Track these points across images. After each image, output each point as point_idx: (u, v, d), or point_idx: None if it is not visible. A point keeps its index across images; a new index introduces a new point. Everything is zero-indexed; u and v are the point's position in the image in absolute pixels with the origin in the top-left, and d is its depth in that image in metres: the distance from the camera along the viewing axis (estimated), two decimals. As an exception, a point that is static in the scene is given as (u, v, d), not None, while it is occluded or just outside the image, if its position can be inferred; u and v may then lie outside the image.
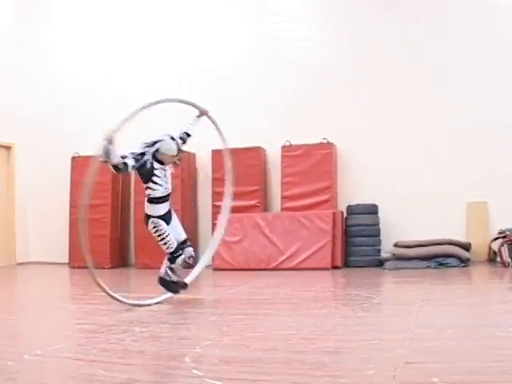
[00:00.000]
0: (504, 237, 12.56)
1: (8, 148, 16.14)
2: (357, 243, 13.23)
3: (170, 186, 8.12)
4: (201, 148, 14.47)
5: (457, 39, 13.61)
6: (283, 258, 13.06)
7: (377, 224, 13.44)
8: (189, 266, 8.63)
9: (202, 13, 15.56)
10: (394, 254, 12.83)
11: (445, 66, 13.63)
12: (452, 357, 4.85)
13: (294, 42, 14.65)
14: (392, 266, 12.47)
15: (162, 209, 8.07)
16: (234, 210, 13.97)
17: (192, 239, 14.42)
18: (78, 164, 15.15)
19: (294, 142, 13.99)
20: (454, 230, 13.14)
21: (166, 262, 8.37)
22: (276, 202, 14.50)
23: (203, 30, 15.44)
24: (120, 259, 15.13)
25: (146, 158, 7.85)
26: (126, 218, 15.45)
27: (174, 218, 8.39)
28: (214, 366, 4.84)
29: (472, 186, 13.27)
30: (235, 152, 14.23)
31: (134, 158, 7.78)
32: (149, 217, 8.09)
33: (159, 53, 15.77)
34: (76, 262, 14.75)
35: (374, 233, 13.38)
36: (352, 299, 8.43)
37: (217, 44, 15.37)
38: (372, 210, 13.45)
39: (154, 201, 8.02)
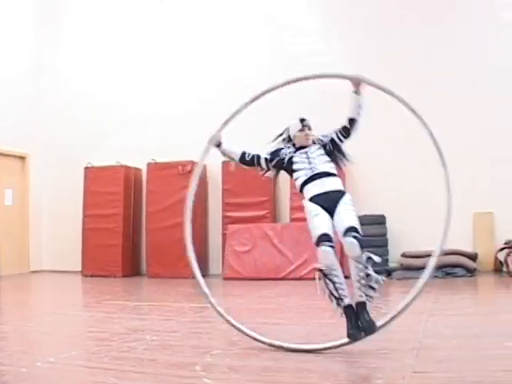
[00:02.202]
0: (510, 247, 12.54)
1: (23, 158, 16.18)
2: (366, 254, 13.20)
3: (317, 166, 6.27)
4: (211, 159, 14.45)
5: (464, 54, 13.63)
6: (292, 267, 13.05)
7: (384, 234, 13.41)
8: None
9: (214, 26, 15.59)
10: (401, 264, 12.80)
11: (454, 73, 13.63)
12: (460, 367, 4.83)
13: (310, 56, 14.59)
14: (400, 276, 12.45)
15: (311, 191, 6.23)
16: (244, 220, 14.04)
17: (202, 250, 14.52)
18: (91, 174, 15.24)
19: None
20: (460, 240, 13.07)
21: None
22: (285, 213, 14.48)
23: (215, 43, 15.47)
24: (132, 268, 15.11)
25: (282, 151, 6.72)
26: (137, 227, 15.45)
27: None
28: (224, 375, 4.83)
29: (478, 196, 13.23)
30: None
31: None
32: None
33: (170, 67, 15.80)
34: (89, 270, 14.80)
35: (382, 243, 13.33)
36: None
37: (231, 58, 15.39)
38: (380, 220, 13.41)
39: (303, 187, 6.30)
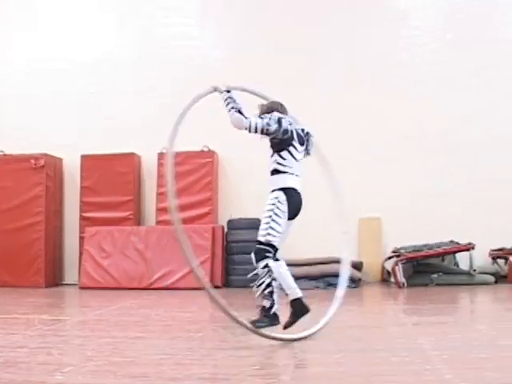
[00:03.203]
0: (398, 255, 12.82)
1: None
2: (238, 261, 13.21)
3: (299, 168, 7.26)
4: (69, 152, 14.27)
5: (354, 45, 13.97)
6: (157, 276, 12.96)
7: (260, 240, 13.48)
8: None
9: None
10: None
11: (337, 68, 13.94)
12: (339, 383, 4.89)
13: (183, 39, 14.59)
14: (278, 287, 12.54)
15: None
16: (104, 222, 13.83)
17: (56, 256, 14.22)
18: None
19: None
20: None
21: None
22: (150, 215, 14.36)
23: (75, 18, 15.17)
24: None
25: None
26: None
27: None
28: (76, 395, 4.73)
29: (364, 200, 13.52)
30: (105, 158, 14.12)
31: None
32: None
33: (19, 45, 15.34)
34: None
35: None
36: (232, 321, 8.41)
37: (95, 36, 15.14)
38: (255, 224, 13.38)
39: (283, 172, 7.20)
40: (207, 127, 13.82)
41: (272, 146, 7.15)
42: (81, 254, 13.75)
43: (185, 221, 13.37)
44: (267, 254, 7.06)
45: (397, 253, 12.97)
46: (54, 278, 14.10)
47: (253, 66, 14.09)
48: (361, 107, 13.80)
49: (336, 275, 12.54)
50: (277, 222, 7.12)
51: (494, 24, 14.15)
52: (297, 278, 12.55)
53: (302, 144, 7.23)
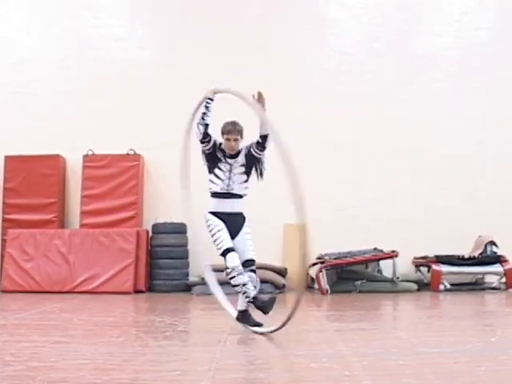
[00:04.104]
0: (322, 262, 12.92)
1: None
2: (163, 265, 13.18)
3: (234, 185, 7.72)
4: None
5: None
6: (80, 280, 12.84)
7: (185, 245, 13.46)
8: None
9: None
10: (202, 279, 12.91)
11: (257, 79, 14.03)
12: (259, 389, 4.94)
13: (113, 40, 14.51)
14: (200, 291, 12.52)
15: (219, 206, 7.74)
16: (27, 224, 13.64)
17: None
18: None
19: (97, 152, 13.77)
20: (269, 253, 13.38)
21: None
22: (74, 218, 14.22)
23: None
24: None
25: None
26: None
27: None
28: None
29: (289, 205, 13.58)
30: (29, 159, 13.94)
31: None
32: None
33: None
34: None
35: (182, 255, 13.38)
36: (154, 326, 8.40)
37: (17, 37, 14.89)
38: (181, 229, 13.42)
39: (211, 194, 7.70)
40: (132, 129, 13.79)
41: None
42: (2, 256, 13.52)
43: (109, 224, 13.40)
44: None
45: (321, 259, 13.07)
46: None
47: (184, 66, 14.10)
48: (289, 114, 13.90)
49: (260, 281, 12.71)
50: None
51: (418, 36, 14.48)
52: (220, 284, 12.73)
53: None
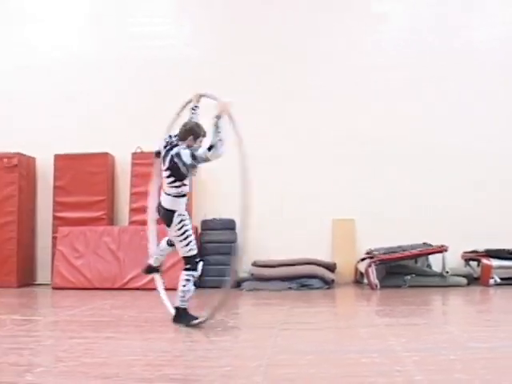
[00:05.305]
0: (371, 257, 12.86)
1: None
2: (212, 262, 13.21)
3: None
4: (42, 151, 14.21)
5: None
6: (130, 276, 12.93)
7: (234, 241, 13.47)
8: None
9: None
10: (252, 274, 12.93)
11: (303, 74, 14.04)
12: (310, 384, 4.94)
13: (160, 38, 14.62)
14: (250, 287, 12.57)
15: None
16: (77, 222, 13.78)
17: (29, 254, 14.17)
18: None
19: (146, 149, 13.83)
20: (318, 249, 13.38)
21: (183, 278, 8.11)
22: (123, 215, 14.33)
23: (50, 19, 15.10)
24: None
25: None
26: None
27: None
28: (47, 396, 4.72)
29: (338, 201, 13.58)
30: (78, 158, 14.07)
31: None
32: (173, 212, 7.93)
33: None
34: None
35: (231, 250, 13.38)
36: (204, 322, 8.43)
37: (68, 36, 15.07)
38: (229, 225, 13.48)
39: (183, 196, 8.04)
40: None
41: None
42: (53, 254, 13.68)
43: (157, 221, 13.44)
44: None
45: (370, 254, 13.01)
46: (26, 278, 14.03)
47: (230, 64, 14.13)
48: (339, 109, 13.88)
49: (309, 276, 12.73)
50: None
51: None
52: (270, 280, 12.72)
53: (163, 165, 8.01)
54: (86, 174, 13.91)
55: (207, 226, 13.58)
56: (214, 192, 13.84)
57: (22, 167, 14.04)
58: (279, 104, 13.96)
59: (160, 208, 8.06)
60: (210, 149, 7.51)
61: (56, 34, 14.99)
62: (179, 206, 7.93)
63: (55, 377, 5.24)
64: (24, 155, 14.14)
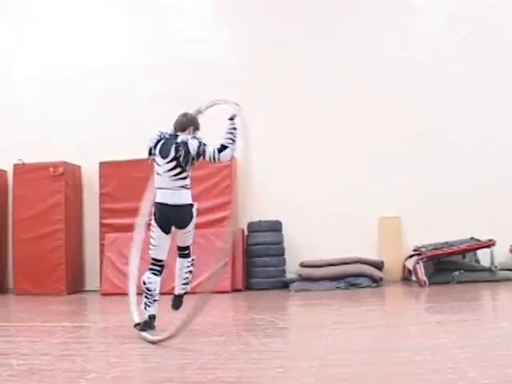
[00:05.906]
0: (419, 254, 12.78)
1: None
2: (259, 263, 13.21)
3: None
4: (87, 159, 14.32)
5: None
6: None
7: (281, 242, 13.48)
8: None
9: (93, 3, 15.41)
10: (300, 275, 12.91)
11: (342, 70, 13.99)
12: (365, 384, 4.91)
13: (198, 42, 14.67)
14: (298, 288, 12.55)
15: None
16: (124, 228, 13.78)
17: (78, 261, 14.30)
18: None
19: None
20: (365, 247, 13.32)
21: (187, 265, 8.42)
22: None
23: (91, 25, 15.19)
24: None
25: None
26: (2, 238, 14.85)
27: None
28: (101, 402, 4.75)
29: (385, 200, 13.51)
30: (122, 164, 14.21)
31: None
32: (191, 205, 8.09)
33: (38, 55, 15.38)
34: None
35: (278, 252, 13.40)
36: (255, 324, 8.44)
37: (107, 44, 15.18)
38: (276, 227, 13.47)
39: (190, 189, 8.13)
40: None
41: None
42: (101, 260, 13.80)
43: (204, 225, 13.48)
44: (150, 267, 8.20)
45: (417, 251, 12.93)
46: (75, 285, 14.16)
47: (267, 68, 14.13)
48: (381, 106, 13.80)
49: (357, 275, 12.67)
50: (152, 237, 8.17)
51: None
52: (318, 280, 12.69)
53: (165, 157, 7.90)
54: (130, 180, 13.96)
55: (253, 227, 13.57)
56: (260, 193, 13.81)
57: (67, 176, 14.17)
58: (324, 104, 13.90)
59: (168, 208, 7.95)
60: (220, 150, 7.51)
61: (94, 41, 15.09)
62: (191, 198, 7.98)
63: (108, 382, 5.27)
64: (69, 164, 14.27)
